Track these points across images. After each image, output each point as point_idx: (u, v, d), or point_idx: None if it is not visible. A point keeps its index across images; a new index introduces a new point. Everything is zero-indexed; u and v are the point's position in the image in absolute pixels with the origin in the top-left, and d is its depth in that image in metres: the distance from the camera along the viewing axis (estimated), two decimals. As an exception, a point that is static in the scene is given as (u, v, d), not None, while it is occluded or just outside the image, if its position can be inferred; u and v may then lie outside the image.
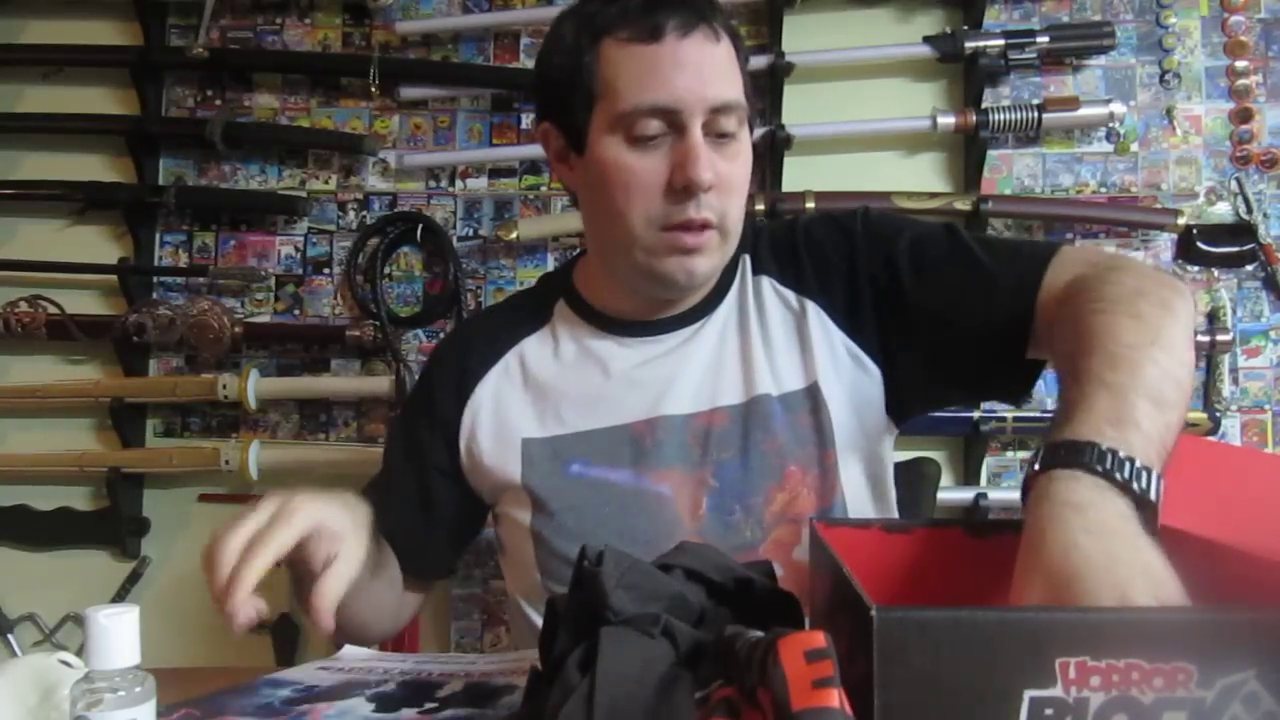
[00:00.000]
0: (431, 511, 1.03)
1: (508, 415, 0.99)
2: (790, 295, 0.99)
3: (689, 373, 0.97)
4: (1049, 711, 0.44)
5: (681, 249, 0.90)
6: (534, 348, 1.02)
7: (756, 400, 0.95)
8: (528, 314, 1.05)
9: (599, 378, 0.98)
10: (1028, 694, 0.44)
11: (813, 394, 0.95)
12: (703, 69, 0.86)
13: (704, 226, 0.89)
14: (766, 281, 1.00)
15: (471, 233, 1.77)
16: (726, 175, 0.89)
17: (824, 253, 0.98)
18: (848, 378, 0.96)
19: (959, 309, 0.90)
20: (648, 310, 1.00)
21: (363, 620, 0.95)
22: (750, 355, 0.97)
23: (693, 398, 0.96)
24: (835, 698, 0.42)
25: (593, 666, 0.53)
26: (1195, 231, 1.68)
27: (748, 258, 1.02)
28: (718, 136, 0.88)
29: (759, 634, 0.49)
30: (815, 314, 0.97)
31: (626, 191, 0.88)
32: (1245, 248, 1.68)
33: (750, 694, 0.48)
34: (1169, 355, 0.69)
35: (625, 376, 0.98)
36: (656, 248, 0.90)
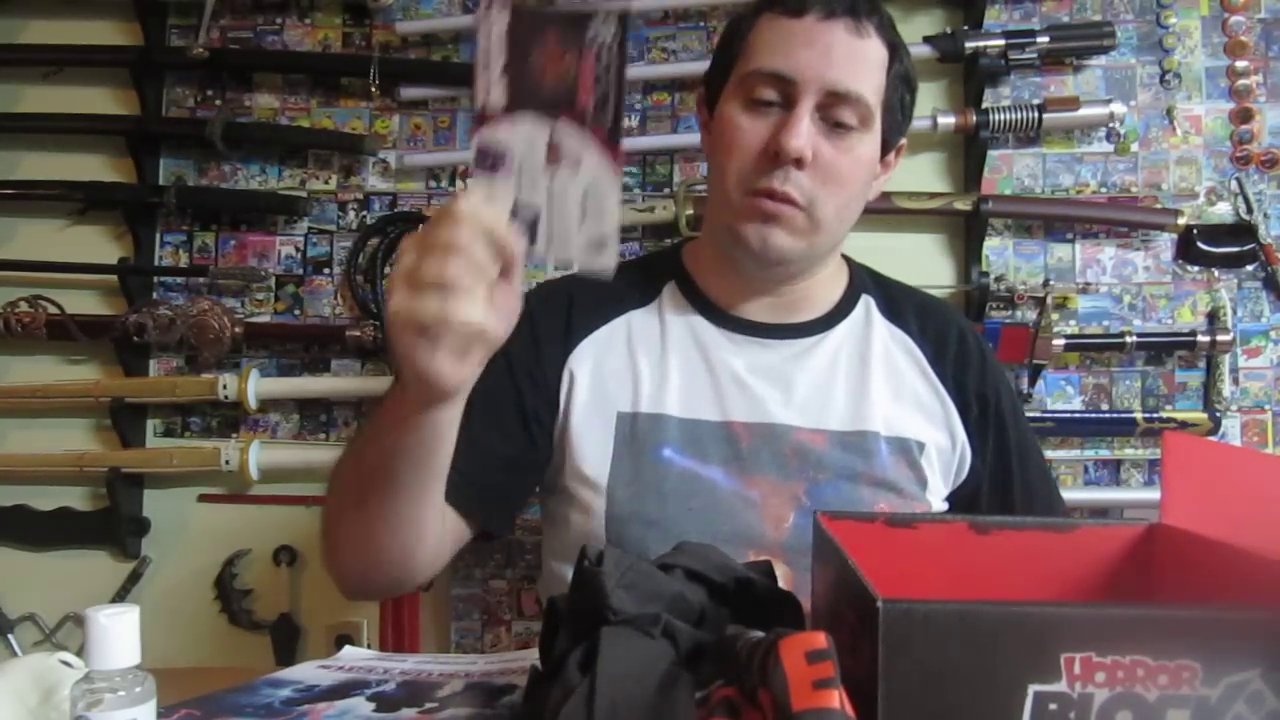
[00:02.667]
0: (510, 447, 0.96)
1: (606, 383, 0.97)
2: (922, 357, 1.03)
3: (799, 386, 0.98)
4: (1053, 706, 0.44)
5: (760, 215, 0.91)
6: (640, 322, 1.00)
7: (864, 435, 0.96)
8: (635, 289, 1.02)
9: (704, 369, 0.98)
10: (1032, 688, 0.44)
11: (920, 448, 0.98)
12: (831, 51, 0.88)
13: (786, 200, 0.90)
14: (900, 332, 1.03)
15: (472, 233, 1.77)
16: (829, 161, 0.90)
17: (968, 357, 1.04)
18: (945, 451, 1.01)
19: (1013, 484, 1.04)
20: (755, 306, 1.00)
21: (406, 542, 0.83)
22: (866, 388, 0.98)
23: (799, 411, 0.96)
24: (836, 698, 0.42)
25: (593, 666, 0.53)
26: (1195, 231, 1.68)
27: (872, 300, 1.05)
28: (834, 125, 0.90)
29: (760, 634, 0.49)
30: (939, 388, 1.02)
31: (730, 150, 0.91)
32: (1245, 248, 1.68)
33: (751, 694, 0.48)
34: None
35: (733, 375, 0.97)
36: (740, 210, 0.92)
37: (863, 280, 1.07)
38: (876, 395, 0.98)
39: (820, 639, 0.44)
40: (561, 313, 1.00)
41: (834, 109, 0.89)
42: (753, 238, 0.92)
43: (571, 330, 0.99)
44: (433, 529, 0.85)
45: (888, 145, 0.97)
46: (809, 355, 0.99)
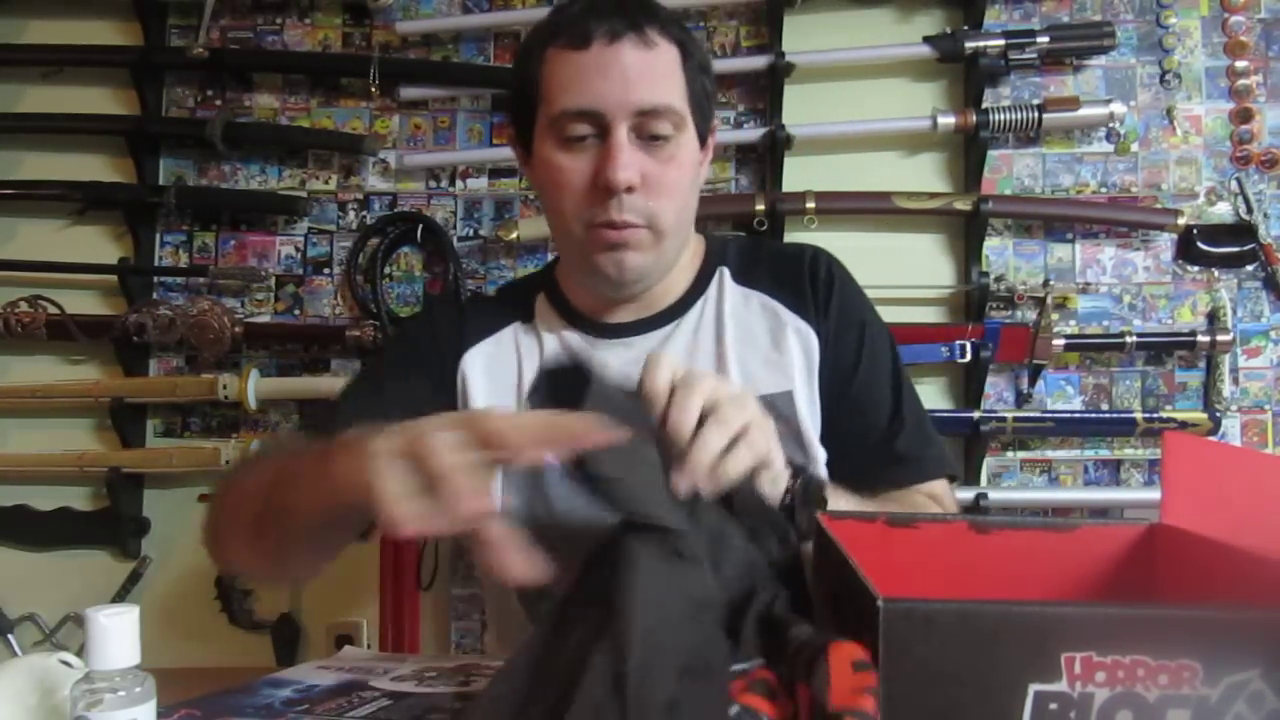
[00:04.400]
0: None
1: (498, 385, 1.02)
2: (780, 307, 1.03)
3: None
4: (1053, 706, 0.44)
5: (606, 244, 0.94)
6: (523, 334, 1.06)
7: None
8: (514, 305, 1.08)
9: None
10: (1033, 688, 0.44)
11: (789, 400, 0.99)
12: (628, 73, 0.89)
13: (627, 226, 0.92)
14: (754, 292, 1.05)
15: (472, 233, 1.77)
16: (656, 177, 0.92)
17: (823, 288, 1.04)
18: (808, 386, 1.01)
19: (865, 420, 1.01)
20: (619, 311, 1.03)
21: (313, 564, 0.86)
22: (724, 359, 1.00)
23: None
24: (872, 705, 0.44)
25: (622, 591, 0.53)
26: (1195, 231, 1.68)
27: (727, 270, 1.06)
28: (650, 139, 0.91)
29: (809, 630, 0.51)
30: (802, 328, 1.02)
31: (559, 191, 0.93)
32: (1245, 248, 1.68)
33: (789, 685, 0.48)
34: None
35: None
36: (587, 243, 0.95)
37: (719, 253, 1.08)
38: (734, 362, 1.00)
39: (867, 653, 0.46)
40: (455, 321, 1.07)
41: (647, 124, 0.91)
42: (607, 266, 0.95)
43: (464, 335, 1.05)
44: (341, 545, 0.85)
45: (702, 133, 0.98)
46: (669, 343, 1.02)
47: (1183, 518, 0.66)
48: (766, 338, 1.02)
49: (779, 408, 0.98)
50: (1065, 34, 1.68)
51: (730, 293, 1.04)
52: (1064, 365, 1.70)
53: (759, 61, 1.68)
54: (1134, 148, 1.71)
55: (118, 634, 0.53)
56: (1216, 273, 1.69)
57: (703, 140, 0.99)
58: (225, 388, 1.69)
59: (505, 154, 1.76)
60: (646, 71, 0.90)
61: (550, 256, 1.76)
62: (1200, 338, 1.65)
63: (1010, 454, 1.72)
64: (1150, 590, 0.67)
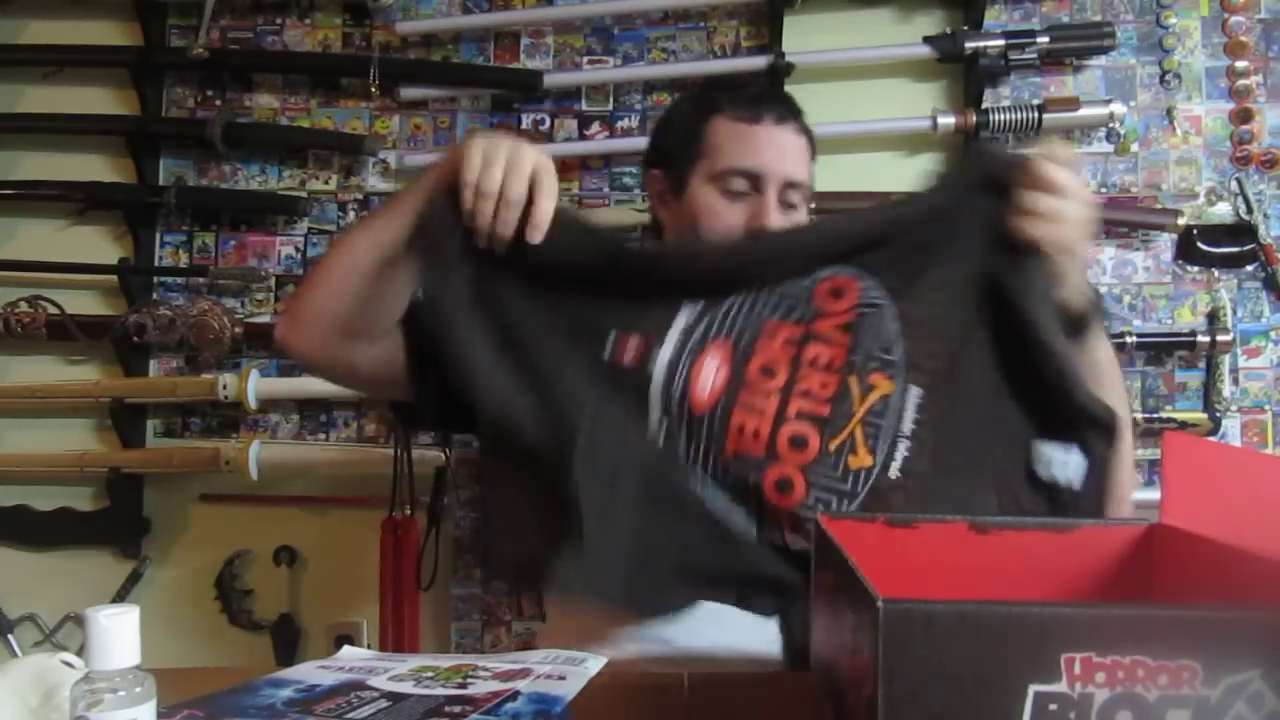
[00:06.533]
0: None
1: None
2: None
3: None
4: (1053, 707, 0.44)
5: None
6: None
7: None
8: None
9: None
10: (1032, 688, 0.44)
11: None
12: (785, 151, 1.13)
13: None
14: None
15: (472, 233, 1.77)
16: None
17: None
18: None
19: None
20: None
21: (371, 287, 0.99)
22: None
23: None
24: None
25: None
26: (1195, 232, 1.68)
27: None
28: (785, 205, 1.13)
29: None
30: None
31: (712, 232, 1.12)
32: (1245, 248, 1.68)
33: None
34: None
35: None
36: None
37: None
38: None
39: None
40: None
41: (787, 193, 1.12)
42: None
43: None
44: (390, 309, 1.03)
45: (808, 208, 1.20)
46: None
47: (1182, 518, 0.66)
48: None
49: None
50: (1065, 34, 1.68)
51: None
52: (1064, 365, 1.70)
53: (759, 62, 1.68)
54: (1134, 148, 1.71)
55: (118, 634, 0.53)
56: (1216, 273, 1.69)
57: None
58: (225, 388, 1.69)
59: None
60: (797, 153, 1.14)
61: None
62: (1200, 338, 1.65)
63: (1010, 454, 1.71)
64: (1150, 590, 0.67)
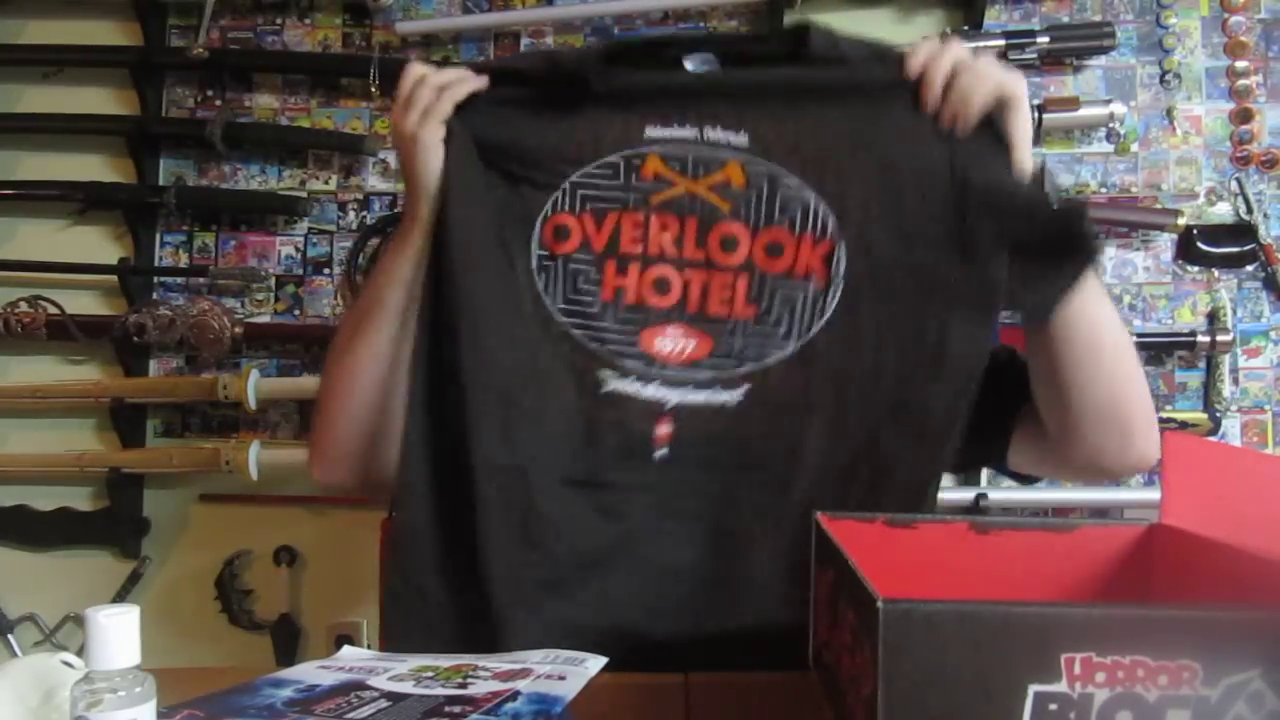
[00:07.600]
0: None
1: None
2: None
3: None
4: (1053, 707, 0.44)
5: None
6: None
7: None
8: None
9: None
10: (1032, 688, 0.44)
11: None
12: None
13: None
14: None
15: (472, 233, 1.77)
16: None
17: None
18: None
19: None
20: None
21: (382, 375, 0.94)
22: None
23: None
24: None
25: None
26: (1195, 232, 1.68)
27: None
28: None
29: None
30: None
31: None
32: (1245, 248, 1.68)
33: None
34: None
35: None
36: None
37: None
38: None
39: None
40: None
41: None
42: None
43: None
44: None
45: None
46: None
47: (1182, 518, 0.66)
48: None
49: None
50: (1065, 34, 1.68)
51: None
52: (1064, 365, 1.70)
53: (759, 61, 1.68)
54: (1134, 148, 1.71)
55: (118, 634, 0.53)
56: (1216, 273, 1.69)
57: None
58: (225, 388, 1.69)
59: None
60: None
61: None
62: (1200, 338, 1.65)
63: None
64: (1150, 591, 0.67)
